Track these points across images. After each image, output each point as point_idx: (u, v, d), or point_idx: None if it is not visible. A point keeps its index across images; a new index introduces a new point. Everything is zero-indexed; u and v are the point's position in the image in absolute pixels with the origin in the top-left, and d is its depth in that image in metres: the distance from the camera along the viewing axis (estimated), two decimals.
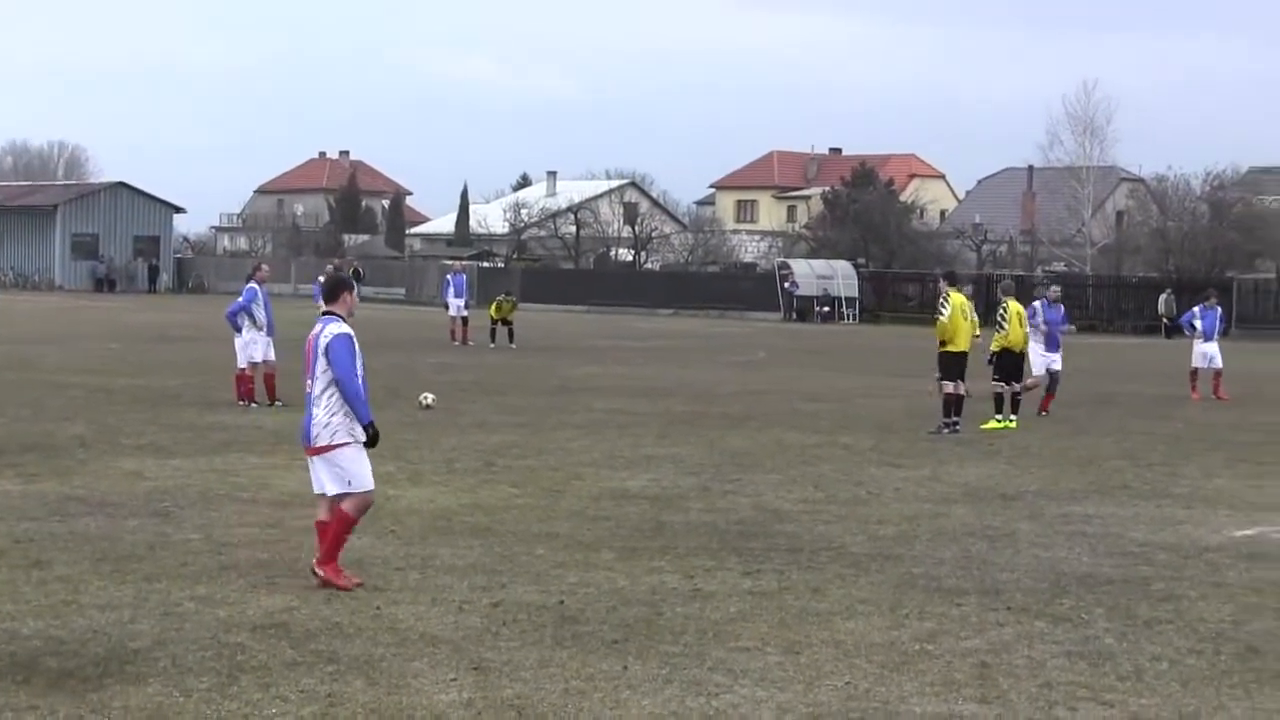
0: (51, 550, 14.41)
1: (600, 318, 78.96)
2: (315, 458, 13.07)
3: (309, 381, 13.09)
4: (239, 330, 28.76)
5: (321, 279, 54.83)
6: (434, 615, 12.13)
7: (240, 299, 29.19)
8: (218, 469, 20.06)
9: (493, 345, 49.16)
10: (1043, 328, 30.20)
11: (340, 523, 13.03)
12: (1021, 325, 27.91)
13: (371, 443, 13.11)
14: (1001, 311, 27.69)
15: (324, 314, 13.30)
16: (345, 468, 13.01)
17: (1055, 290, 31.91)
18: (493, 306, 51.74)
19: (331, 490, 13.10)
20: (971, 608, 12.79)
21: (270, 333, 28.84)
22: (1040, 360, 30.23)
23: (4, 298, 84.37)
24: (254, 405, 27.91)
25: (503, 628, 11.78)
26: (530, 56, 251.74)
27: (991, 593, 13.38)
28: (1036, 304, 30.74)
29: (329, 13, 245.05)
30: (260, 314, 28.81)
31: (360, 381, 13.02)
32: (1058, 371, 30.48)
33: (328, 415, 12.95)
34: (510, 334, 49.99)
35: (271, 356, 28.70)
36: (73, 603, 12.32)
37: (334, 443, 12.96)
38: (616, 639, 11.49)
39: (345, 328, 13.15)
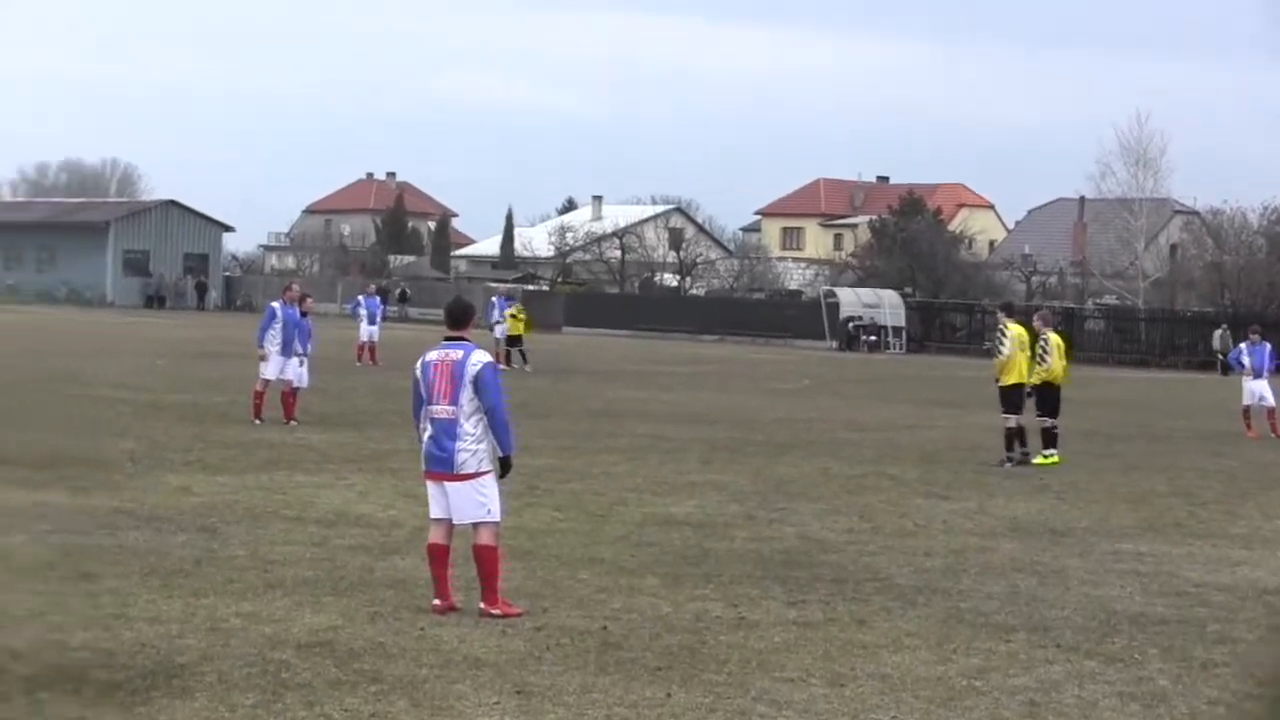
0: (100, 563, 14.46)
1: (644, 342, 78.94)
2: (454, 484, 12.99)
3: (437, 407, 12.98)
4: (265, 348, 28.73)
5: (361, 297, 53.95)
6: (477, 638, 12.11)
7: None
8: (264, 486, 20.09)
9: (507, 368, 48.75)
10: None
11: (490, 558, 13.00)
12: (1062, 358, 27.36)
13: (506, 472, 13.17)
14: (1043, 344, 27.17)
15: (452, 339, 13.19)
16: (488, 495, 13.03)
17: None
18: (511, 323, 51.47)
19: (465, 518, 13.06)
20: (1020, 645, 12.68)
21: (286, 352, 28.53)
22: None
23: (56, 313, 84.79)
24: (257, 422, 27.81)
25: (546, 652, 11.75)
26: (576, 82, 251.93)
27: (1040, 630, 13.27)
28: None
29: (377, 38, 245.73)
30: (276, 334, 28.60)
31: None
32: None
33: (475, 442, 12.95)
34: (523, 355, 49.93)
35: (288, 375, 28.50)
36: (121, 616, 12.36)
37: (481, 470, 12.99)
38: (660, 666, 11.45)
39: (489, 355, 13.25)
